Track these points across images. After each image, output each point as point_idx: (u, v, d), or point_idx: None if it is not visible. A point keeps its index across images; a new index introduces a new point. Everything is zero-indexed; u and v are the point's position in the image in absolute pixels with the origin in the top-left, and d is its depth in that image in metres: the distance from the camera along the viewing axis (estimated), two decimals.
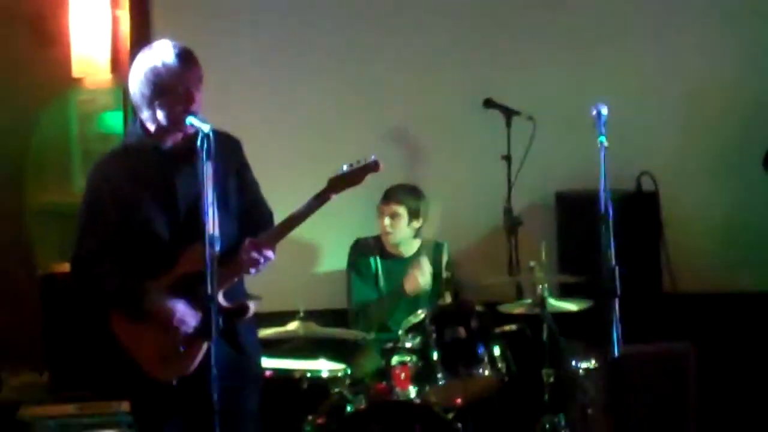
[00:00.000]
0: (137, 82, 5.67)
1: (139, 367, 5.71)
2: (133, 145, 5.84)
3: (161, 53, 5.67)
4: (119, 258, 5.68)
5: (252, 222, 5.86)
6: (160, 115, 5.66)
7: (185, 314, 5.60)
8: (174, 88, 5.62)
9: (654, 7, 8.38)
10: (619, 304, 6.00)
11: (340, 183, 5.82)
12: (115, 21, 8.44)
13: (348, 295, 7.78)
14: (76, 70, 8.43)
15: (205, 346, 5.54)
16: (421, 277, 7.54)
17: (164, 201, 5.70)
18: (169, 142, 5.73)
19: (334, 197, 5.82)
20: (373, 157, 5.88)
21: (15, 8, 8.39)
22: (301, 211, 5.73)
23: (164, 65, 5.63)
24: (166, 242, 5.69)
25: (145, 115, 5.71)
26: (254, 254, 5.59)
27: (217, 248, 5.39)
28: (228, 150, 5.78)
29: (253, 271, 5.66)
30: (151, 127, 5.71)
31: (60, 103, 8.47)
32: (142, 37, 7.94)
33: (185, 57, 5.67)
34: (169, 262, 5.64)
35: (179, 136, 5.68)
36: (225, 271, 5.59)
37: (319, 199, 5.77)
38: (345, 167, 5.85)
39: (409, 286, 7.53)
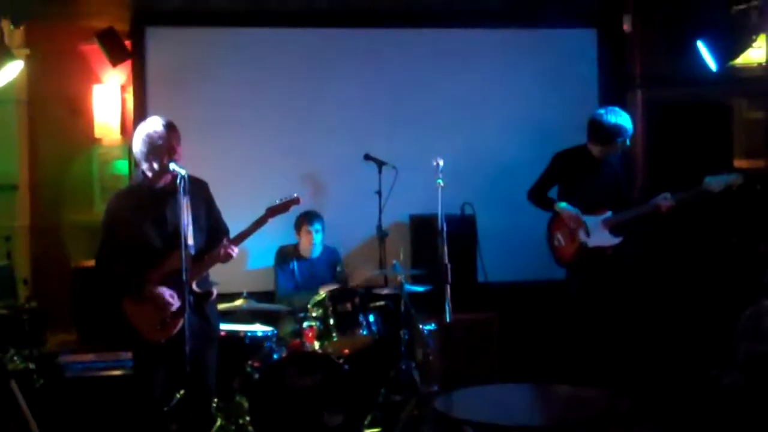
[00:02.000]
0: (137, 144, 5.72)
1: (139, 332, 5.75)
2: (136, 185, 5.89)
3: (153, 124, 5.73)
4: (127, 259, 5.72)
5: (215, 235, 5.93)
6: (154, 165, 5.71)
7: (170, 298, 5.67)
8: (162, 147, 5.68)
9: (475, 99, 8.45)
10: (450, 289, 6.15)
11: (274, 211, 6.01)
12: (123, 100, 8.40)
13: (274, 285, 7.75)
14: (97, 132, 8.39)
15: (182, 319, 5.61)
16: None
17: (157, 222, 5.76)
18: (161, 184, 5.78)
19: (270, 220, 5.96)
20: (296, 194, 6.05)
21: (57, 92, 8.34)
22: (249, 228, 5.91)
23: (156, 132, 5.69)
24: (159, 249, 5.74)
25: (144, 166, 5.76)
26: (229, 249, 5.75)
27: (192, 252, 5.55)
28: (199, 188, 5.86)
29: (224, 261, 5.81)
30: (149, 174, 5.76)
31: (86, 154, 8.42)
32: (140, 111, 7.91)
33: (169, 126, 5.74)
34: (161, 262, 5.70)
35: (168, 178, 5.73)
36: (196, 268, 5.71)
37: (261, 221, 5.93)
38: (277, 201, 6.01)
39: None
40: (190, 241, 5.60)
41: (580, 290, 7.22)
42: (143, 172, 5.79)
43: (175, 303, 5.68)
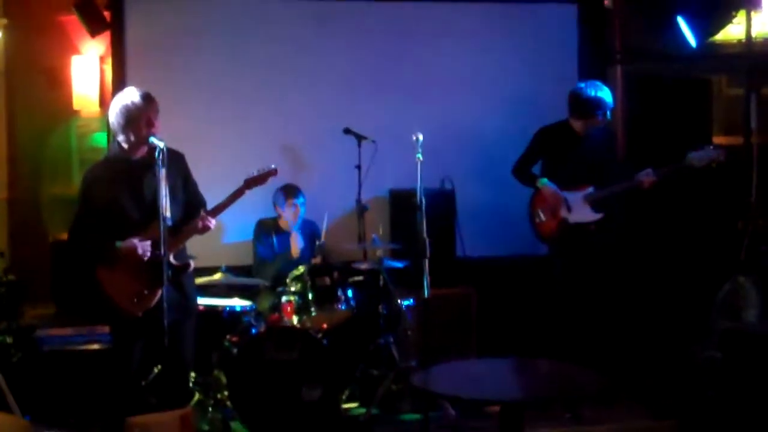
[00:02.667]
0: (114, 115, 5.67)
1: (116, 304, 5.71)
2: (113, 157, 5.83)
3: (130, 95, 5.67)
4: (103, 231, 5.68)
5: (192, 207, 5.89)
6: (131, 137, 5.67)
7: (143, 247, 5.63)
8: (140, 119, 5.63)
9: (456, 73, 8.40)
10: (428, 263, 6.14)
11: (252, 183, 5.96)
12: (102, 72, 8.35)
13: (253, 259, 7.68)
14: (76, 104, 8.34)
15: (159, 291, 5.57)
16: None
17: (134, 194, 5.71)
18: (137, 155, 5.73)
19: (247, 192, 5.92)
20: (273, 165, 5.99)
21: (35, 62, 8.30)
22: (227, 200, 5.88)
23: (133, 103, 5.63)
24: (136, 221, 5.70)
25: (120, 137, 5.70)
26: (207, 221, 5.73)
27: (169, 224, 5.50)
28: (176, 160, 5.81)
29: (202, 232, 5.78)
30: (125, 145, 5.71)
31: (64, 126, 8.37)
32: (119, 83, 7.83)
33: (146, 97, 5.68)
34: (138, 234, 5.66)
35: (144, 150, 5.70)
36: (174, 240, 5.67)
37: (238, 193, 5.90)
38: (255, 171, 5.96)
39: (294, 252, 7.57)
40: (168, 213, 5.54)
41: (563, 265, 7.26)
42: (119, 144, 5.74)
43: (148, 251, 5.64)
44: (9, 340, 6.71)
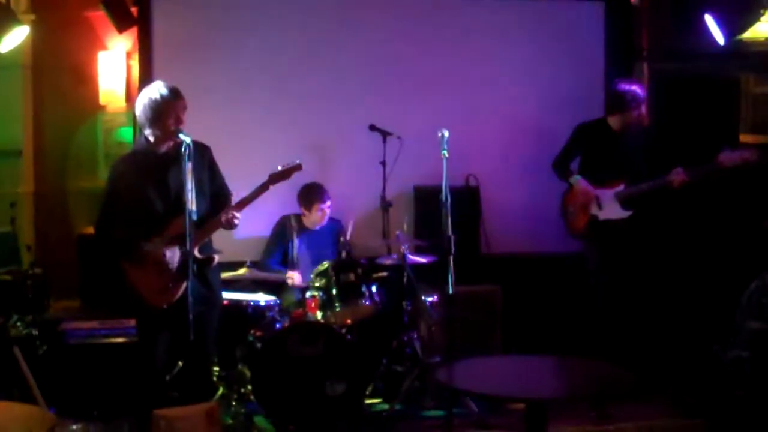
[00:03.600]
0: (141, 108, 5.72)
1: (141, 297, 5.73)
2: (140, 150, 5.88)
3: (158, 89, 5.71)
4: (128, 224, 5.70)
5: (218, 201, 5.94)
6: (158, 131, 5.69)
7: (171, 255, 5.64)
8: (167, 113, 5.66)
9: (482, 70, 8.36)
10: (453, 260, 6.12)
11: (276, 177, 5.99)
12: (128, 67, 8.37)
13: (266, 247, 7.67)
14: (102, 99, 8.38)
15: (184, 284, 5.58)
16: None
17: (160, 188, 5.77)
18: (163, 149, 5.77)
19: (272, 187, 5.92)
20: (297, 160, 6.00)
21: (62, 58, 8.35)
22: (251, 195, 5.90)
23: (161, 97, 5.67)
24: (161, 214, 5.73)
25: (147, 131, 5.75)
26: (231, 215, 5.76)
27: (194, 218, 5.51)
28: (202, 152, 5.86)
29: (229, 227, 5.83)
30: (152, 139, 5.75)
31: (90, 121, 8.40)
32: (146, 78, 7.83)
33: (174, 92, 5.74)
34: (163, 227, 5.69)
35: (170, 144, 5.72)
36: (199, 233, 5.68)
37: (262, 188, 5.91)
38: (279, 167, 5.96)
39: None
40: (193, 207, 5.57)
41: (594, 261, 7.29)
42: (146, 138, 5.78)
43: (174, 262, 5.66)
44: (35, 332, 6.71)
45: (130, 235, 5.71)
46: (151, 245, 5.71)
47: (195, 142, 5.60)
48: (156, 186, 5.75)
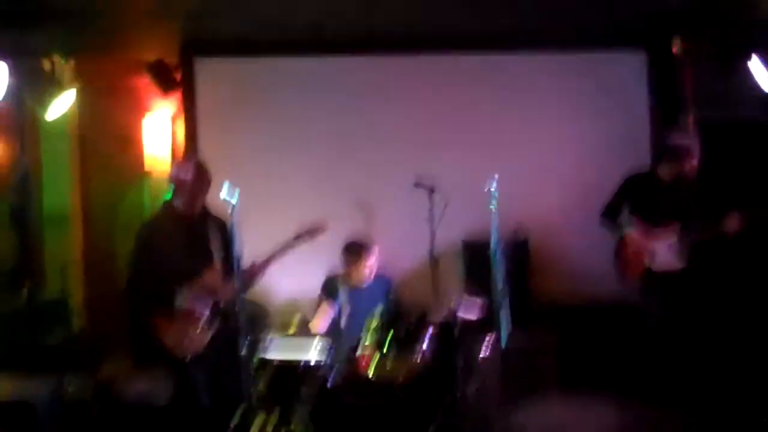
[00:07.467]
0: (168, 179, 6.10)
1: (166, 349, 6.03)
2: (163, 215, 6.38)
3: (184, 164, 6.14)
4: (158, 282, 5.99)
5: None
6: (179, 203, 6.09)
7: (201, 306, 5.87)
8: (188, 191, 6.19)
9: (525, 123, 8.41)
10: (504, 314, 6.10)
11: (301, 237, 6.48)
12: (173, 132, 8.48)
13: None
14: (147, 165, 8.50)
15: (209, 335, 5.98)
16: None
17: (187, 250, 6.19)
18: (188, 214, 6.30)
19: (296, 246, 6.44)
20: (321, 221, 6.41)
21: (107, 124, 8.49)
22: (275, 252, 6.41)
23: (184, 172, 6.21)
24: (188, 274, 6.03)
25: (175, 199, 6.18)
26: (255, 270, 6.20)
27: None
28: (217, 224, 6.22)
29: (251, 283, 6.23)
30: (178, 205, 6.09)
31: (137, 185, 8.51)
32: (191, 141, 7.96)
33: (198, 166, 6.28)
34: (192, 283, 6.05)
35: (195, 211, 6.27)
36: (224, 288, 6.13)
37: (287, 246, 6.46)
38: (304, 229, 6.59)
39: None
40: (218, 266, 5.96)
41: (654, 312, 7.29)
42: (173, 203, 6.20)
43: (206, 311, 5.81)
44: (88, 395, 6.75)
45: (161, 290, 5.98)
46: (181, 297, 5.91)
47: (213, 216, 6.13)
48: (184, 249, 6.17)
